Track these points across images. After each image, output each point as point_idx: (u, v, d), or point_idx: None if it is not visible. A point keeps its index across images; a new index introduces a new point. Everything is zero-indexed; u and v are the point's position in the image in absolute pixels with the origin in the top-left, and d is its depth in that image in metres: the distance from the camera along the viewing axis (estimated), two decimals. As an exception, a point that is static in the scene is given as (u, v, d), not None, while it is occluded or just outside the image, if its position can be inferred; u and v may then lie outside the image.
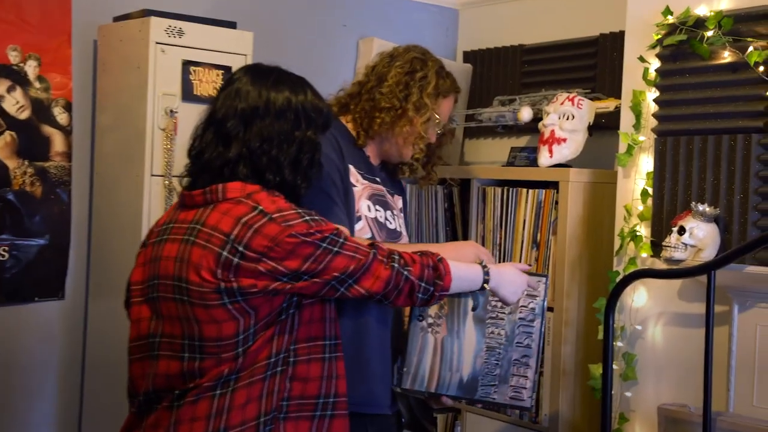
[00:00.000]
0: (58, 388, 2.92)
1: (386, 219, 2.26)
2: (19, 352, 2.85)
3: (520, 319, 2.19)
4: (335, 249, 1.74)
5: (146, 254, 1.84)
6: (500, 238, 3.08)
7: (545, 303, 2.19)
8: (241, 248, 1.68)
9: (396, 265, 1.80)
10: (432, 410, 3.31)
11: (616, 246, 2.74)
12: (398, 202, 2.38)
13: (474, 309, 2.19)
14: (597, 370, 2.70)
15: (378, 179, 2.30)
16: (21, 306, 2.85)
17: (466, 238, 3.20)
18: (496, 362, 2.20)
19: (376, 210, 2.24)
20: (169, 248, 1.77)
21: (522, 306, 2.19)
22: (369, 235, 2.19)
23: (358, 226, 2.17)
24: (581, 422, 2.92)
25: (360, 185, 2.22)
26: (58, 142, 2.88)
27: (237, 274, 1.68)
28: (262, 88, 1.80)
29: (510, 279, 2.04)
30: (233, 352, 1.71)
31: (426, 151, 2.34)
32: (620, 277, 2.62)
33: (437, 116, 2.27)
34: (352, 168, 2.21)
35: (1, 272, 2.78)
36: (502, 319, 2.20)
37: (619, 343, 2.72)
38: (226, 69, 2.76)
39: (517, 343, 2.19)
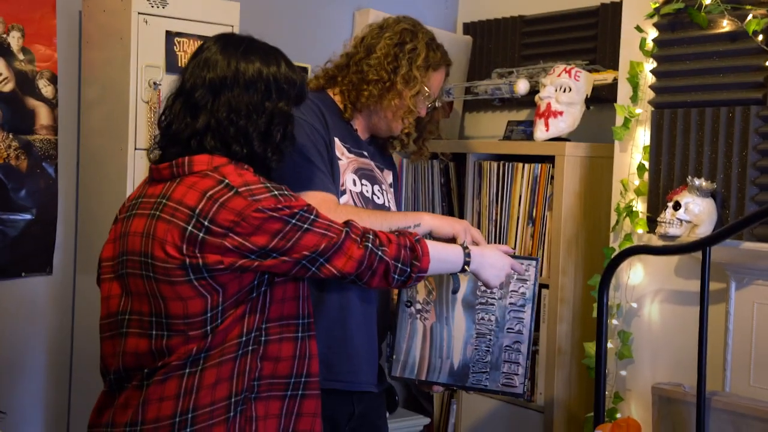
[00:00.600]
0: (47, 363, 2.89)
1: (373, 193, 2.20)
2: (6, 327, 2.82)
3: (510, 304, 2.14)
4: (305, 226, 1.68)
5: (116, 230, 1.80)
6: (496, 214, 3.01)
7: (536, 288, 2.13)
8: (206, 223, 1.63)
9: (370, 244, 1.74)
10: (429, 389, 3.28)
11: (613, 222, 2.67)
12: (388, 177, 2.32)
13: (455, 291, 2.13)
14: (592, 348, 2.64)
15: (365, 153, 2.24)
16: (8, 281, 2.81)
17: (462, 214, 3.13)
18: (486, 349, 2.15)
19: (363, 184, 2.18)
20: (136, 223, 1.73)
21: (512, 291, 2.14)
22: None
23: (342, 200, 2.12)
24: (577, 402, 2.87)
25: (345, 158, 2.16)
26: (43, 115, 2.83)
27: (202, 249, 1.64)
28: (231, 57, 1.74)
29: (492, 262, 1.98)
30: (201, 330, 1.66)
31: (416, 125, 2.28)
32: (615, 253, 2.55)
33: (427, 89, 2.22)
34: (337, 141, 2.16)
35: (-13, 247, 2.75)
36: (492, 304, 2.15)
37: (614, 321, 2.65)
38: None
39: (508, 329, 2.14)
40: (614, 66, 2.94)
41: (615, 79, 2.79)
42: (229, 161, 1.72)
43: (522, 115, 3.43)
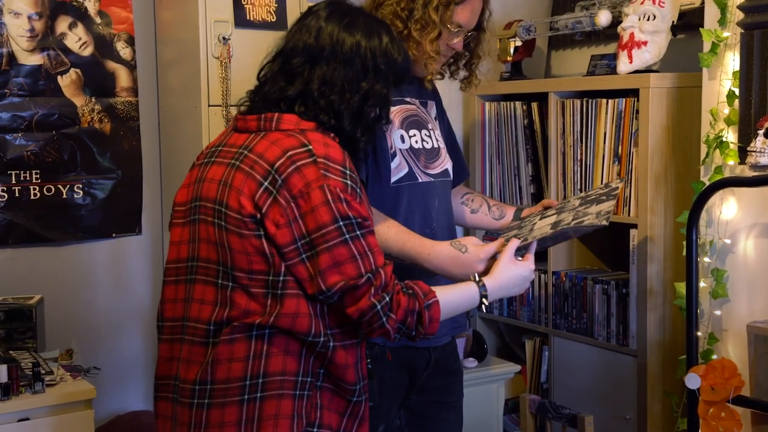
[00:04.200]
0: (139, 321, 2.98)
1: (422, 140, 2.14)
2: (100, 287, 2.92)
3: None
4: (346, 236, 1.62)
5: (192, 175, 1.79)
6: (581, 154, 2.90)
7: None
8: (280, 181, 1.62)
9: (379, 306, 1.65)
10: (521, 336, 3.23)
11: (702, 154, 2.53)
12: (432, 109, 2.25)
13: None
14: (683, 288, 2.52)
15: (407, 97, 2.17)
16: (100, 242, 2.91)
17: (546, 155, 3.03)
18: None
19: (410, 136, 2.12)
20: (214, 171, 1.72)
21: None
22: (406, 171, 2.08)
23: (394, 164, 2.06)
24: (671, 343, 2.76)
25: (390, 115, 2.10)
26: (123, 77, 2.88)
27: (270, 207, 1.62)
28: (335, 27, 1.71)
29: (510, 282, 1.86)
30: (263, 291, 1.64)
31: (460, 53, 2.17)
32: (704, 187, 2.41)
33: (453, 27, 2.07)
34: None
35: (78, 209, 2.84)
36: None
37: (707, 259, 2.52)
38: (282, -10, 2.68)
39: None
40: (702, -11, 2.77)
41: (703, 2, 2.62)
42: (317, 127, 1.69)
43: (609, 49, 3.27)
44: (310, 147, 1.64)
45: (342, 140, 1.72)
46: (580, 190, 2.90)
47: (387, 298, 1.65)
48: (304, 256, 1.62)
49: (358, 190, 1.66)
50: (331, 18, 1.72)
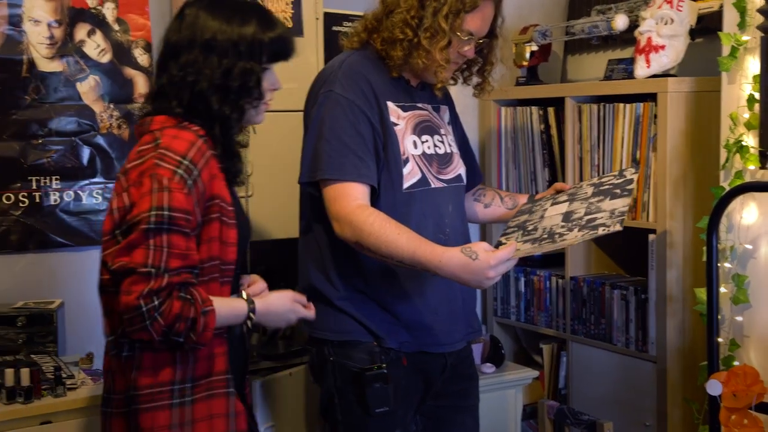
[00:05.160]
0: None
1: (435, 145, 2.15)
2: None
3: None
4: (151, 226, 1.68)
5: None
6: (598, 159, 2.89)
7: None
8: (122, 174, 1.76)
9: (144, 304, 1.65)
10: (539, 342, 3.22)
11: (722, 159, 2.51)
12: (445, 114, 2.25)
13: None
14: (703, 294, 2.51)
15: (419, 103, 2.16)
16: (119, 247, 2.92)
17: (563, 160, 3.03)
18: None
19: (423, 141, 2.12)
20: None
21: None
22: (419, 177, 2.09)
23: (406, 170, 2.06)
24: (691, 349, 2.74)
25: (402, 121, 2.10)
26: (140, 83, 2.90)
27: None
28: (196, 17, 1.79)
29: (276, 311, 1.91)
30: None
31: (473, 59, 2.17)
32: (724, 192, 2.40)
33: (464, 35, 2.05)
34: (390, 105, 2.08)
35: (97, 215, 2.85)
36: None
37: (728, 264, 2.51)
38: (295, -4, 2.69)
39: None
40: (721, -8, 2.76)
41: (721, 6, 2.61)
42: (178, 123, 1.77)
43: (625, 53, 3.26)
44: (159, 141, 1.74)
45: (215, 125, 1.78)
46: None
47: (156, 302, 1.66)
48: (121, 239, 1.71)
49: (190, 182, 1.70)
50: (193, 7, 1.81)
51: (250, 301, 1.85)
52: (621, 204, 2.02)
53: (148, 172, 1.69)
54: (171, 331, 1.68)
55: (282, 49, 1.86)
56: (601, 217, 1.99)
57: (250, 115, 1.85)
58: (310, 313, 1.97)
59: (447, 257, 1.91)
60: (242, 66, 1.77)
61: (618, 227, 1.93)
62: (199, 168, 1.72)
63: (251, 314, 1.84)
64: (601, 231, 1.93)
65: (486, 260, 1.88)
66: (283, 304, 1.92)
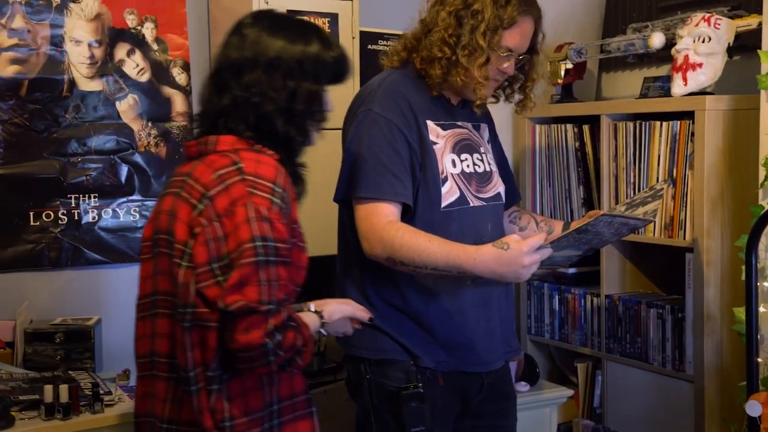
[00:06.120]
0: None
1: (474, 164, 2.14)
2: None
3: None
4: (260, 258, 1.59)
5: (155, 208, 1.83)
6: (634, 177, 2.88)
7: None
8: (208, 201, 1.63)
9: (270, 342, 1.58)
10: (573, 360, 3.20)
11: (761, 178, 2.49)
12: (484, 132, 2.25)
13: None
14: (742, 313, 2.48)
15: (459, 122, 2.17)
16: (155, 264, 2.94)
17: (598, 178, 3.01)
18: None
19: (462, 160, 2.12)
20: (165, 201, 1.76)
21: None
22: (457, 196, 2.09)
23: (444, 188, 2.07)
24: (729, 369, 2.71)
25: (442, 139, 2.10)
26: (178, 102, 2.93)
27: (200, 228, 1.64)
28: (258, 35, 1.73)
29: (337, 320, 1.90)
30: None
31: (514, 76, 2.17)
32: (764, 211, 2.38)
33: (503, 52, 2.05)
34: (430, 124, 2.09)
35: (134, 232, 2.88)
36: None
37: (766, 284, 2.48)
38: (333, 16, 2.71)
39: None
40: (759, 10, 2.74)
41: (760, 24, 2.60)
42: (252, 145, 1.70)
43: (661, 71, 3.25)
44: (241, 165, 1.65)
45: (279, 147, 1.72)
46: (634, 213, 2.88)
47: (278, 338, 1.59)
48: (220, 278, 1.60)
49: (285, 210, 1.65)
50: (254, 27, 1.75)
51: (319, 315, 1.85)
52: (653, 206, 2.16)
53: (242, 201, 1.61)
54: (286, 361, 1.63)
55: (342, 69, 1.82)
56: (636, 218, 2.09)
57: (313, 137, 1.80)
58: (366, 316, 1.97)
59: (481, 254, 1.92)
60: (307, 87, 1.73)
61: (651, 218, 2.19)
62: (288, 194, 1.68)
63: (321, 326, 1.85)
64: (632, 222, 2.11)
65: (519, 248, 1.89)
66: (340, 310, 1.91)
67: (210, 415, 1.64)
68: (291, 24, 1.78)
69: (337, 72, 1.80)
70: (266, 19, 1.77)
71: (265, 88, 1.70)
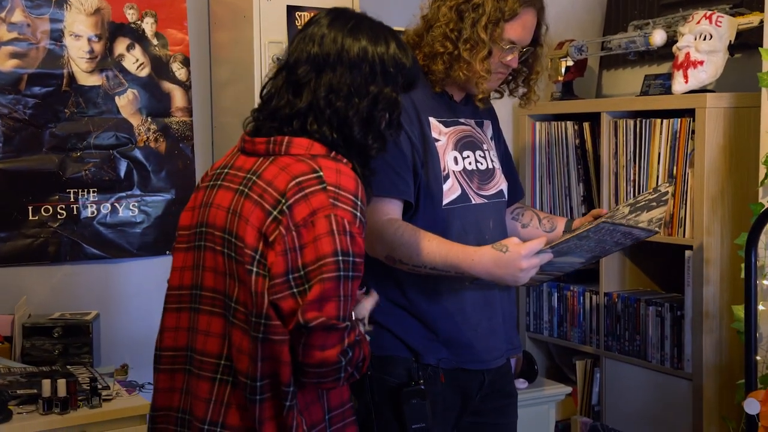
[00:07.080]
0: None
1: (476, 161, 2.13)
2: (154, 303, 2.94)
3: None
4: (341, 273, 1.53)
5: (197, 198, 1.72)
6: (634, 174, 2.88)
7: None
8: (286, 209, 1.55)
9: (344, 359, 1.55)
10: (572, 358, 3.20)
11: (761, 176, 2.49)
12: (488, 129, 2.24)
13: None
14: (741, 311, 2.48)
15: (461, 119, 2.16)
16: (155, 259, 2.95)
17: (598, 175, 3.01)
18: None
19: (464, 157, 2.12)
20: (221, 196, 1.65)
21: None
22: (459, 193, 2.08)
23: (446, 186, 2.06)
24: (728, 367, 2.71)
25: (444, 136, 2.09)
26: (178, 97, 2.93)
27: (276, 237, 1.55)
28: (338, 33, 1.65)
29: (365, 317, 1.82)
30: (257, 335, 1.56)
31: (518, 69, 2.15)
32: (763, 209, 2.37)
33: (505, 45, 2.04)
34: (432, 121, 2.08)
35: (133, 227, 2.88)
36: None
37: (766, 282, 2.48)
38: (333, 12, 2.70)
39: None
40: (761, 7, 2.74)
41: (761, 22, 2.59)
42: (328, 152, 1.62)
43: (662, 68, 3.24)
44: (321, 174, 1.57)
45: (353, 153, 1.66)
46: (633, 210, 2.88)
47: (351, 354, 1.56)
48: (295, 290, 1.54)
49: (366, 223, 1.60)
50: (334, 24, 1.66)
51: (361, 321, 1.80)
52: (658, 213, 2.07)
53: (323, 212, 1.54)
54: (353, 376, 1.60)
55: (417, 75, 1.75)
56: (641, 225, 2.03)
57: (388, 145, 1.74)
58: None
59: (479, 255, 1.91)
60: (388, 93, 1.65)
61: (656, 229, 2.07)
62: (366, 207, 1.62)
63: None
64: (636, 230, 2.02)
65: (517, 251, 1.88)
66: (364, 307, 1.80)
67: (275, 426, 1.59)
68: (369, 24, 1.69)
69: (412, 78, 1.73)
70: (344, 17, 1.69)
71: (349, 92, 1.62)
